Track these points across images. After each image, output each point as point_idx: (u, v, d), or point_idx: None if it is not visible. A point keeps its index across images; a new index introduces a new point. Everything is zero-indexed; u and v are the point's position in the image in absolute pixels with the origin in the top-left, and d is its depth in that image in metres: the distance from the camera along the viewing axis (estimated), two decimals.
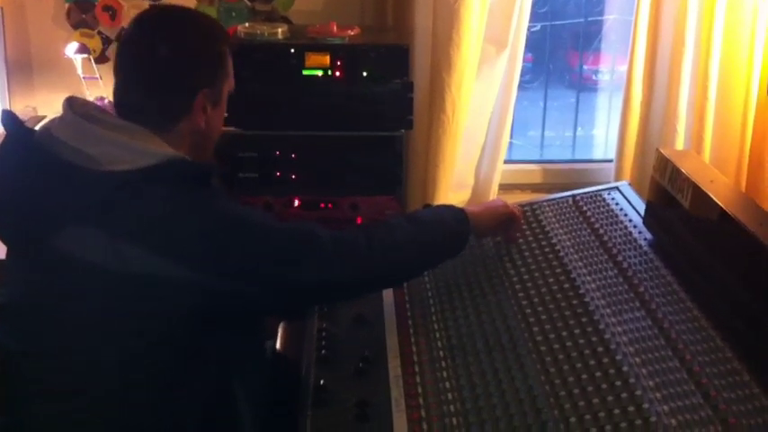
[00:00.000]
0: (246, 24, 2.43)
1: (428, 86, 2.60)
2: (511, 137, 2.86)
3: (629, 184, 1.99)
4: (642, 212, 1.82)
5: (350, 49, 2.32)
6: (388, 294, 1.75)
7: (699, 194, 1.57)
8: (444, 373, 1.47)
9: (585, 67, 3.29)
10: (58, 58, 2.67)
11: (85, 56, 2.64)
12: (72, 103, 1.44)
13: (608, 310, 1.50)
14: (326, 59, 2.29)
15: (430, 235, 1.62)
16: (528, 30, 2.71)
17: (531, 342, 1.47)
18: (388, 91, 2.31)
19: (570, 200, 1.94)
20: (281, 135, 2.36)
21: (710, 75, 2.65)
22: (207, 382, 1.41)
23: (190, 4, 2.61)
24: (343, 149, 2.36)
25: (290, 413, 1.50)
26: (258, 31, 2.36)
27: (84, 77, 2.63)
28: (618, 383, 1.30)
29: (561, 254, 1.72)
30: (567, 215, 1.88)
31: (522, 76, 2.76)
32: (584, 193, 1.96)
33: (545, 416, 1.28)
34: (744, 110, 2.71)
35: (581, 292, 1.57)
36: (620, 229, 1.77)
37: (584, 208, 1.89)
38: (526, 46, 2.74)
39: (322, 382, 1.48)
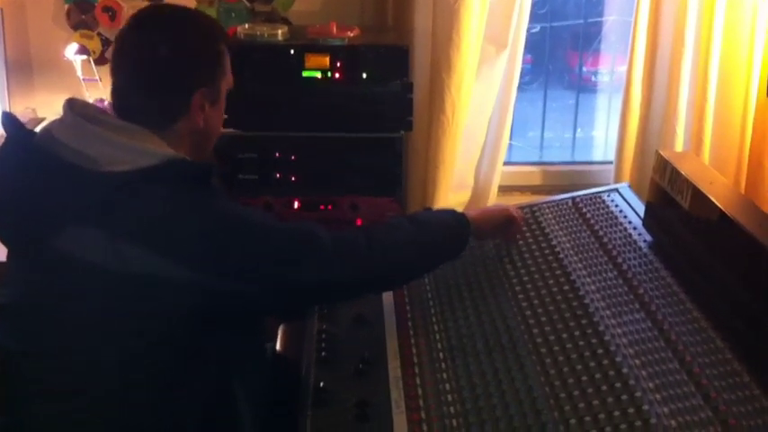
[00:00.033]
0: (246, 25, 2.43)
1: (428, 87, 2.60)
2: (510, 138, 2.86)
3: (629, 186, 1.99)
4: (642, 214, 1.82)
5: (350, 50, 2.32)
6: (387, 295, 1.75)
7: (698, 196, 1.57)
8: (444, 375, 1.47)
9: (585, 68, 3.29)
10: (58, 59, 2.67)
11: (85, 57, 2.63)
12: (72, 105, 1.44)
13: (608, 312, 1.50)
14: (326, 61, 2.30)
15: (430, 236, 1.62)
16: (527, 31, 2.71)
17: (531, 343, 1.47)
18: (387, 92, 2.32)
19: (570, 202, 1.94)
20: (281, 136, 2.36)
21: (710, 76, 2.65)
22: (207, 382, 1.41)
23: (190, 4, 2.61)
24: (343, 150, 2.36)
25: (290, 413, 1.50)
26: (258, 32, 2.36)
27: (83, 79, 2.62)
28: (618, 385, 1.30)
29: (561, 256, 1.72)
30: (567, 217, 1.88)
31: (521, 77, 2.76)
32: (584, 194, 1.97)
33: (545, 417, 1.28)
34: (743, 111, 2.71)
35: (581, 293, 1.57)
36: (620, 231, 1.77)
37: (584, 210, 1.89)
38: (526, 47, 2.74)
39: (322, 384, 1.48)
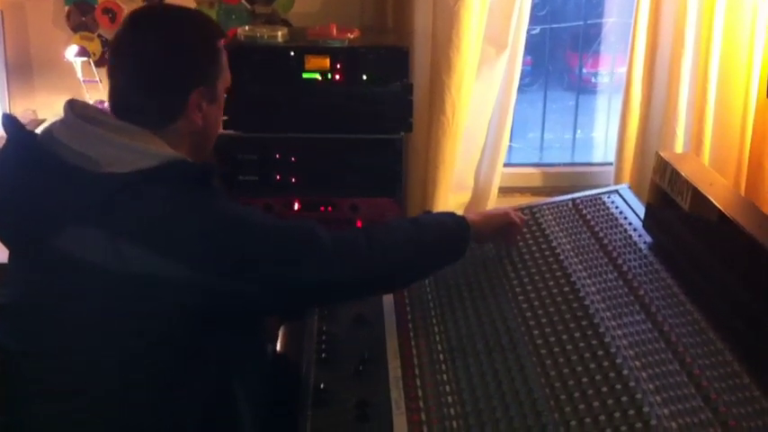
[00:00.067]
0: (246, 27, 2.43)
1: (428, 88, 2.60)
2: (510, 139, 2.86)
3: (629, 187, 2.00)
4: (642, 215, 1.82)
5: (349, 52, 2.32)
6: (387, 296, 1.75)
7: (698, 197, 1.57)
8: (444, 376, 1.47)
9: (585, 69, 3.29)
10: (58, 60, 2.67)
11: (85, 59, 2.63)
12: (73, 106, 1.45)
13: (608, 314, 1.50)
14: (326, 62, 2.30)
15: (430, 237, 1.62)
16: (527, 32, 2.71)
17: (531, 345, 1.47)
18: (387, 93, 2.32)
19: (570, 203, 1.94)
20: (281, 137, 2.36)
21: (710, 77, 2.65)
22: (207, 382, 1.41)
23: (190, 6, 2.61)
24: (343, 152, 2.36)
25: (290, 413, 1.50)
26: (258, 34, 2.36)
27: (84, 81, 2.63)
28: (618, 387, 1.30)
29: (561, 257, 1.72)
30: (567, 218, 1.88)
31: (521, 78, 2.76)
32: (584, 196, 1.97)
33: (545, 418, 1.28)
34: (743, 112, 2.71)
35: (581, 295, 1.57)
36: (620, 233, 1.77)
37: (584, 211, 1.89)
38: (525, 48, 2.74)
39: (322, 386, 1.48)
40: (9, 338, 1.45)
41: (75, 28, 2.72)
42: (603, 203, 1.91)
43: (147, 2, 2.67)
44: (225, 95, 1.56)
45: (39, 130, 1.46)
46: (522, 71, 2.77)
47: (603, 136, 3.17)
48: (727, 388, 1.28)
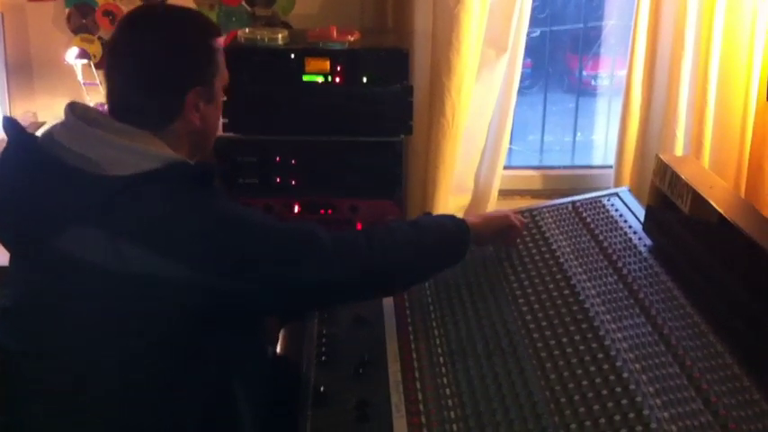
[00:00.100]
0: (247, 29, 2.43)
1: (428, 90, 2.60)
2: (510, 142, 2.86)
3: (629, 190, 2.00)
4: (642, 218, 1.82)
5: (350, 54, 2.32)
6: (387, 299, 1.75)
7: (698, 200, 1.57)
8: (444, 379, 1.47)
9: (585, 72, 3.29)
10: (59, 62, 2.67)
11: (86, 61, 2.64)
12: (73, 108, 1.45)
13: (608, 317, 1.50)
14: (326, 65, 2.29)
15: (430, 239, 1.62)
16: (528, 35, 2.71)
17: (531, 348, 1.47)
18: (387, 95, 2.32)
19: (570, 206, 1.94)
20: (281, 140, 2.36)
21: (710, 79, 2.65)
22: (207, 382, 1.41)
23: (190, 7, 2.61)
24: (343, 154, 2.36)
25: (290, 413, 1.50)
26: (258, 37, 2.36)
27: (84, 83, 2.63)
28: (618, 389, 1.30)
29: (561, 260, 1.72)
30: (567, 221, 1.88)
31: (521, 80, 2.76)
32: (584, 199, 1.97)
33: (545, 422, 1.28)
34: (743, 114, 2.71)
35: (581, 298, 1.57)
36: (620, 235, 1.77)
37: (584, 214, 1.89)
38: (526, 51, 2.74)
39: (322, 389, 1.48)
40: (9, 338, 1.45)
41: (76, 30, 2.72)
42: (603, 206, 1.91)
43: (147, 2, 2.67)
44: (223, 95, 1.56)
45: (39, 133, 1.46)
46: (522, 73, 2.77)
47: (603, 138, 3.17)
48: (727, 391, 1.28)
